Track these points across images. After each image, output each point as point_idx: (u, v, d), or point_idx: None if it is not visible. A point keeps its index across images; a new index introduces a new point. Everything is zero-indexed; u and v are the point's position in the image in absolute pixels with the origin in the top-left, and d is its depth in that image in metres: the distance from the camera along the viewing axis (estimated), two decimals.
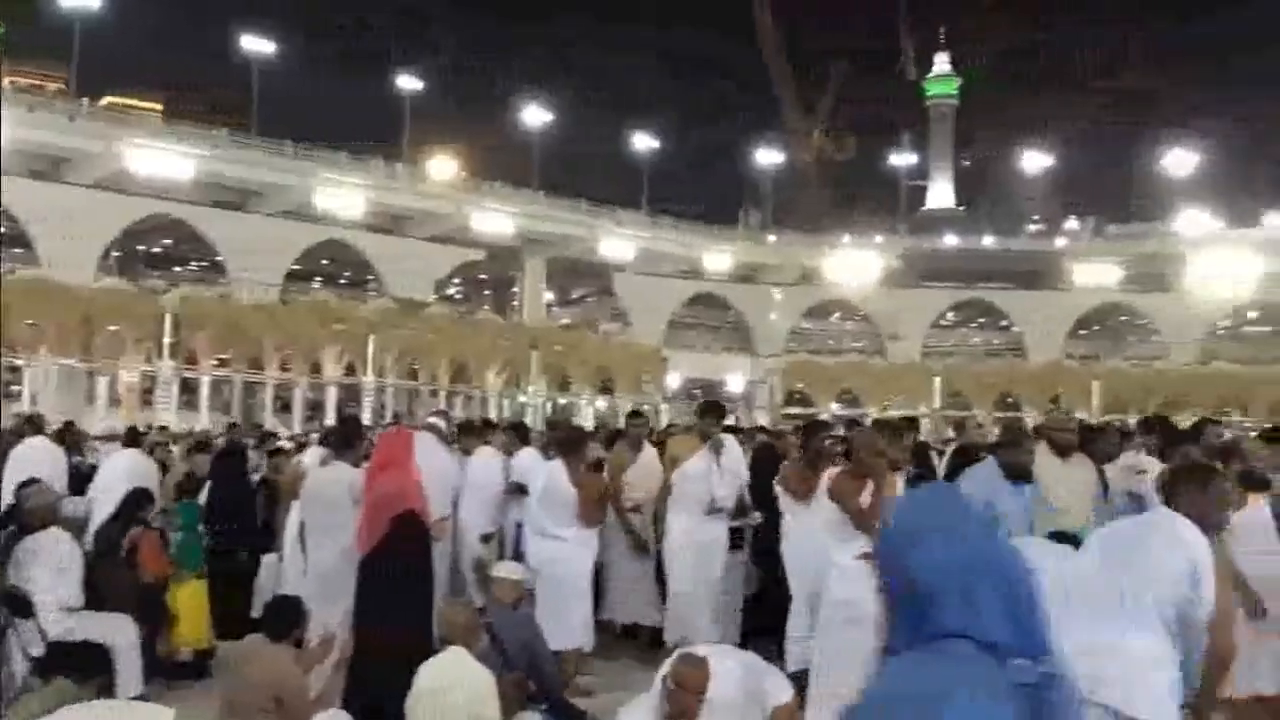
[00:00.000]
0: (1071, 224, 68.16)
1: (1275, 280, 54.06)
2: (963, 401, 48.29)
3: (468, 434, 8.95)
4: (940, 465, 9.26)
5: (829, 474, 6.30)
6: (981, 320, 64.15)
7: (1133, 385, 48.70)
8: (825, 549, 6.61)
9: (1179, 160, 65.33)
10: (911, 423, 9.51)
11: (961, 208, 75.34)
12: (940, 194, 76.21)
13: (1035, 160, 70.49)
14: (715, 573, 7.41)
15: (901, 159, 73.57)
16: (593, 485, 7.31)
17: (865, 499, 5.77)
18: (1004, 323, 62.75)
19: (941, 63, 77.01)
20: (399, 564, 5.73)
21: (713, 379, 57.17)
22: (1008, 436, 6.67)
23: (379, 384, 38.42)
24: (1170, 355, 57.33)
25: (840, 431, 8.97)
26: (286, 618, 5.04)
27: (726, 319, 62.13)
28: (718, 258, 59.99)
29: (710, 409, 8.03)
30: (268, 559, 8.35)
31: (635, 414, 9.45)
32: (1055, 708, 1.63)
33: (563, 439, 7.78)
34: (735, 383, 56.55)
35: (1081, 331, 61.66)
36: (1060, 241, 64.30)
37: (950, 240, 65.42)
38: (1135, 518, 4.41)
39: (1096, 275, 60.18)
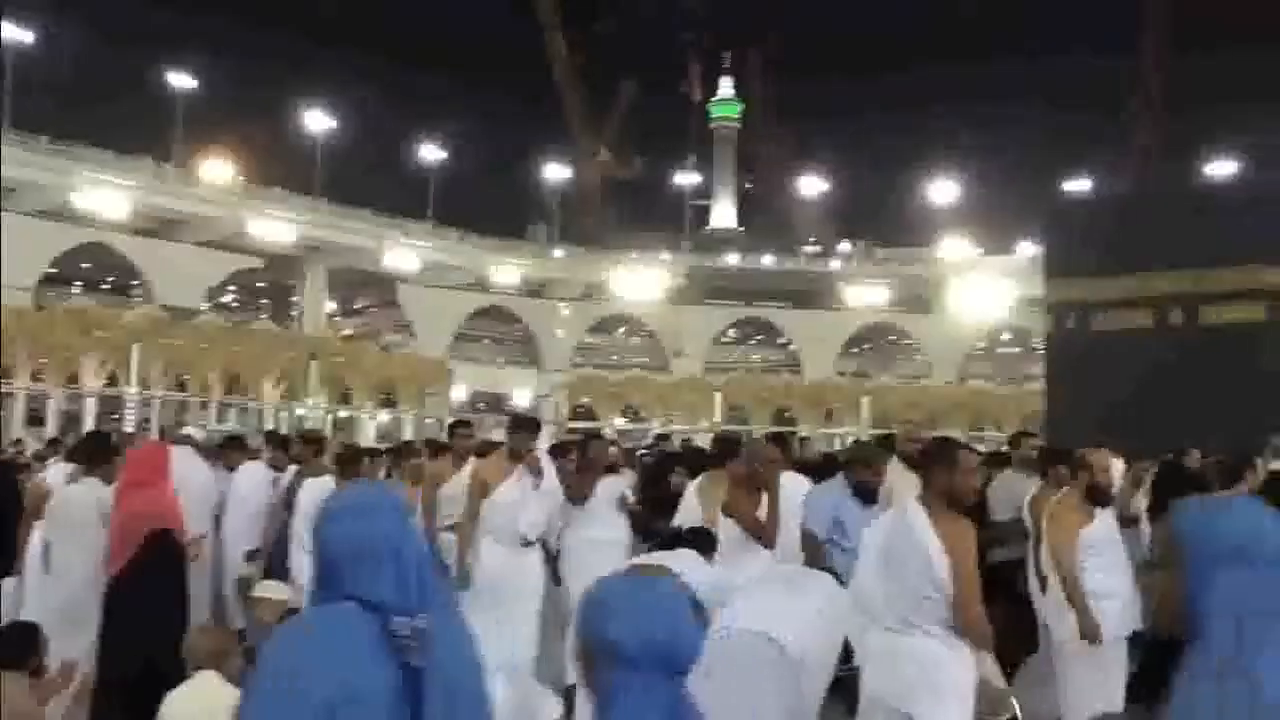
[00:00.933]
0: (844, 247, 71.25)
1: (1026, 304, 58.18)
2: (741, 416, 49.75)
3: (231, 448, 8.62)
4: None
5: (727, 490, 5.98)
6: (760, 337, 66.30)
7: (899, 401, 51.36)
8: (604, 555, 6.75)
9: (942, 189, 69.44)
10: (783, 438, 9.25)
11: (742, 228, 77.69)
12: (723, 214, 78.38)
13: (811, 185, 73.53)
14: (531, 606, 6.74)
15: (686, 179, 75.39)
16: None
17: (761, 512, 5.75)
18: (781, 340, 65.07)
19: (725, 87, 79.26)
20: (150, 586, 5.47)
21: (499, 393, 56.97)
22: (858, 455, 6.75)
23: (144, 396, 36.47)
24: (932, 373, 60.91)
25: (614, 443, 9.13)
26: (21, 644, 4.72)
27: (513, 333, 62.05)
28: (505, 271, 59.82)
29: (522, 424, 7.15)
30: (7, 582, 7.80)
31: (462, 424, 8.60)
32: (425, 650, 2.02)
33: (341, 455, 7.61)
34: (522, 397, 56.48)
35: (853, 349, 64.61)
36: (834, 263, 67.13)
37: (732, 259, 67.37)
38: (883, 519, 4.58)
39: (866, 296, 63.22)
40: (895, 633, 4.18)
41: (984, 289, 61.26)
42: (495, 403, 56.23)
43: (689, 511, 6.08)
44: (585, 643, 2.08)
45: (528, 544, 6.75)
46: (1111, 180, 61.52)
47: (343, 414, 44.36)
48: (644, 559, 5.10)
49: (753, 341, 66.70)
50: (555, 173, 66.62)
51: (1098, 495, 5.80)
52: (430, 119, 62.38)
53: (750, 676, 4.13)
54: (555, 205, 66.63)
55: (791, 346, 64.16)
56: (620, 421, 49.28)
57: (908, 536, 4.18)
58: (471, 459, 7.59)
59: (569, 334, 61.38)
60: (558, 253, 63.80)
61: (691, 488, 6.42)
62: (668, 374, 58.70)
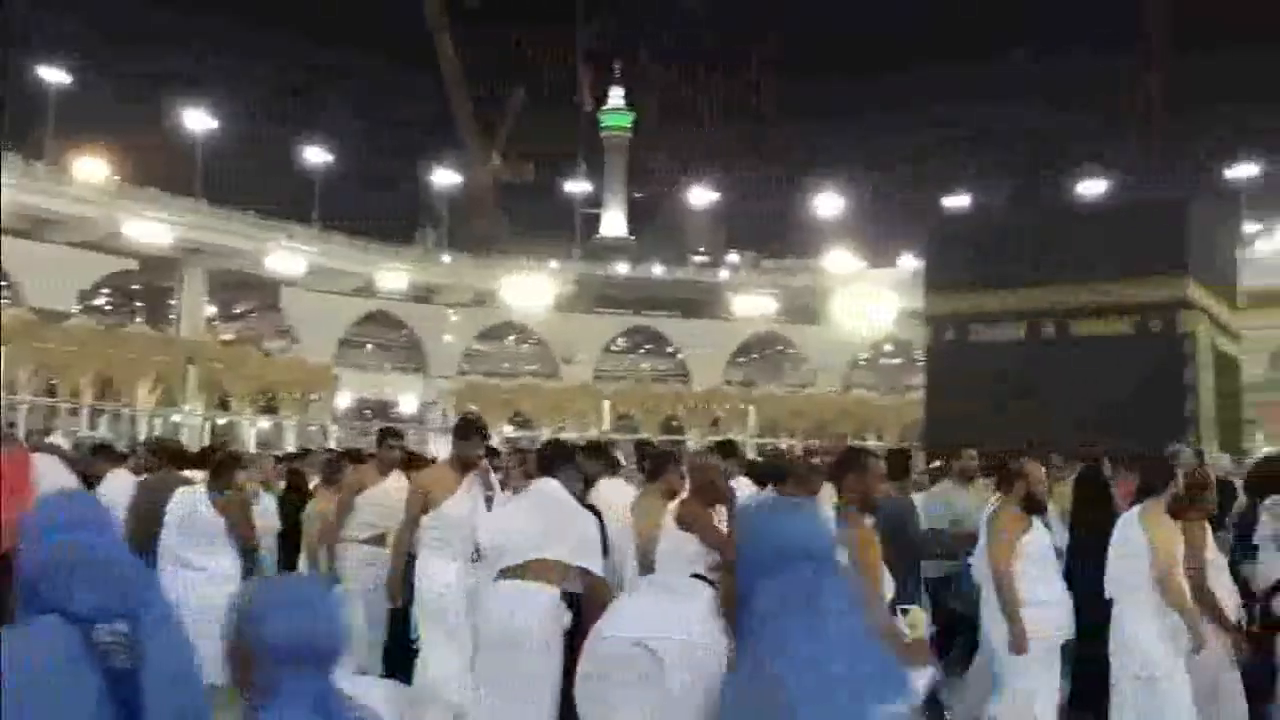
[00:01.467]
0: (732, 257, 72.01)
1: (908, 316, 59.52)
2: (631, 424, 49.88)
3: (100, 456, 8.29)
4: None
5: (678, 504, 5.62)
6: (649, 346, 66.58)
7: (785, 410, 52.16)
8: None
9: (828, 202, 70.75)
10: (733, 445, 8.88)
11: (633, 237, 78.01)
12: (613, 223, 78.59)
13: (701, 195, 74.18)
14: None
15: (577, 187, 75.40)
16: (234, 508, 6.88)
17: (723, 526, 5.40)
18: (670, 349, 65.44)
19: (616, 96, 79.54)
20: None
21: (385, 399, 56.13)
22: (797, 470, 6.63)
23: (10, 401, 34.94)
24: (818, 383, 61.92)
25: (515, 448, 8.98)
26: None
27: (400, 339, 61.19)
28: (392, 276, 58.95)
29: (468, 431, 6.55)
30: None
31: (392, 433, 7.95)
32: (133, 653, 2.12)
33: (215, 463, 7.33)
34: (408, 403, 55.73)
35: (740, 359, 65.31)
36: (722, 273, 67.79)
37: (622, 268, 67.60)
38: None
39: (754, 306, 63.98)
40: None
41: (868, 301, 62.50)
42: (381, 409, 55.40)
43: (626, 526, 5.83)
44: (238, 645, 2.08)
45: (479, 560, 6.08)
46: (989, 197, 63.45)
47: (221, 420, 43.15)
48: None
49: (642, 350, 66.97)
50: (445, 178, 65.99)
51: (1033, 504, 5.88)
52: (317, 120, 61.32)
53: (626, 685, 4.14)
54: (445, 210, 65.98)
55: (680, 355, 64.58)
56: (509, 429, 48.95)
57: None
58: (395, 470, 7.26)
59: (458, 340, 60.78)
60: (446, 258, 63.13)
61: (623, 503, 6.13)
62: (557, 381, 58.55)
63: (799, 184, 72.05)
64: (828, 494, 5.00)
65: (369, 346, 60.68)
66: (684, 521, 5.36)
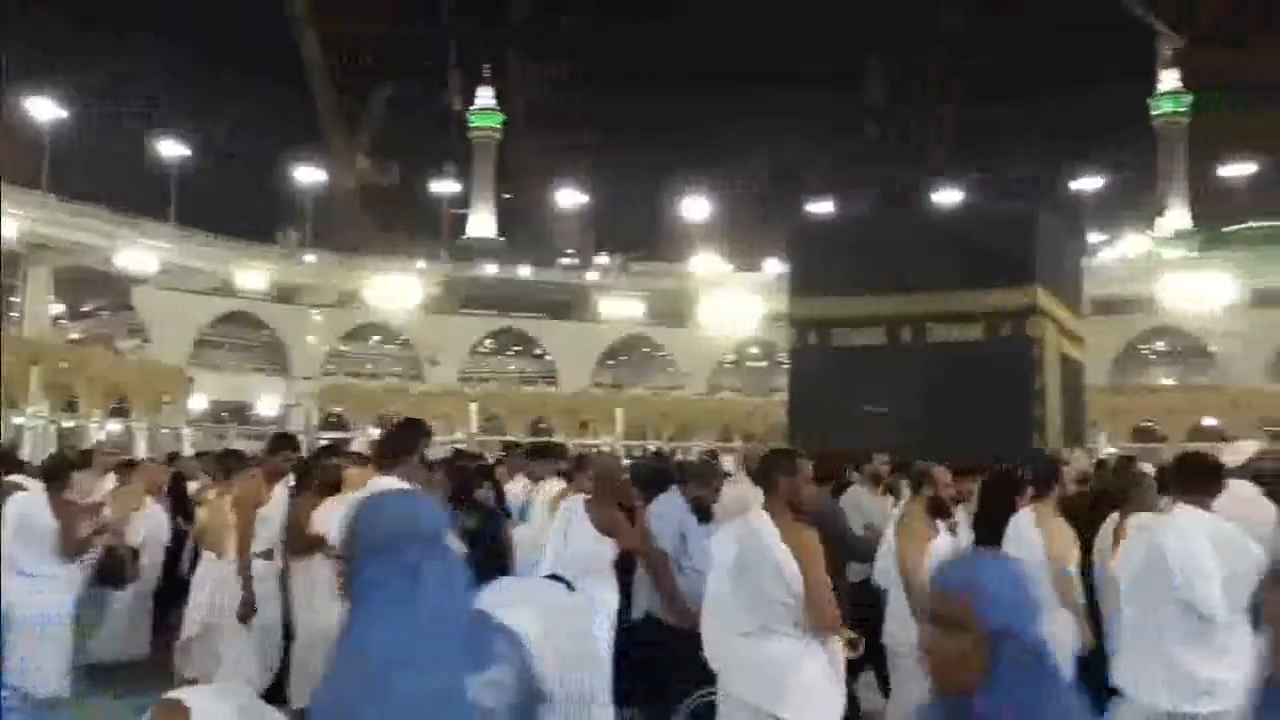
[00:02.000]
0: (601, 259, 72.18)
1: (772, 319, 60.59)
2: (498, 426, 49.58)
3: None
4: None
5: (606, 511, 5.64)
6: (517, 348, 66.26)
7: (652, 412, 52.55)
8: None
9: (695, 206, 71.57)
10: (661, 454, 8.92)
11: (501, 238, 77.48)
12: (481, 224, 77.86)
13: (570, 197, 74.18)
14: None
15: (445, 187, 74.57)
16: (71, 515, 6.55)
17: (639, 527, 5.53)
18: (538, 351, 65.23)
19: (485, 96, 78.89)
20: None
21: (244, 402, 54.53)
22: (694, 470, 6.64)
23: None
24: (685, 385, 62.55)
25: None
26: None
27: (260, 339, 59.52)
28: (253, 275, 57.38)
29: (410, 429, 5.79)
30: None
31: (285, 439, 7.26)
32: None
33: (46, 465, 6.99)
34: (268, 406, 54.27)
35: (609, 361, 65.49)
36: (590, 275, 67.91)
37: (490, 269, 67.10)
38: (731, 530, 4.74)
39: (622, 309, 64.34)
40: (753, 637, 4.38)
41: (734, 304, 63.53)
42: (239, 412, 53.83)
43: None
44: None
45: None
46: (853, 204, 65.08)
47: (67, 424, 41.28)
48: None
49: (510, 352, 66.59)
50: (308, 176, 64.51)
51: (939, 509, 5.96)
52: (175, 114, 59.22)
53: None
54: (308, 209, 64.50)
55: (548, 358, 64.43)
56: (375, 431, 48.09)
57: (757, 545, 4.39)
58: (290, 478, 6.78)
59: (321, 341, 59.43)
60: (309, 258, 61.74)
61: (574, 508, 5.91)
62: (422, 383, 57.81)
63: (667, 188, 72.69)
64: (754, 496, 5.00)
65: (227, 347, 58.82)
66: (603, 527, 5.54)
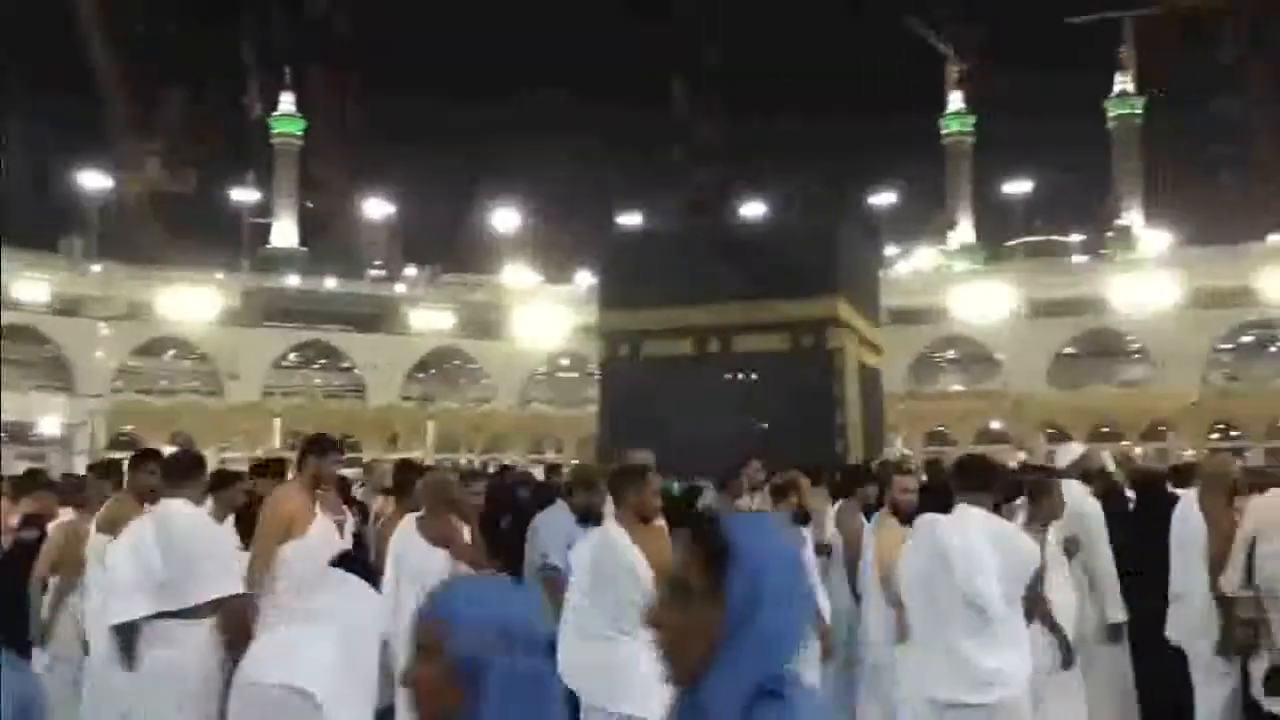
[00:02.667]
0: (410, 271, 71.06)
1: (583, 331, 60.87)
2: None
3: None
4: None
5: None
6: (324, 361, 64.46)
7: (464, 425, 52.02)
8: None
9: (506, 218, 71.33)
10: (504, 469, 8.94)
11: (305, 248, 75.22)
12: (284, 233, 75.38)
13: (377, 207, 72.82)
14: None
15: (246, 195, 71.85)
16: None
17: (468, 537, 5.68)
18: (345, 364, 63.62)
19: (288, 102, 76.51)
20: None
21: (23, 421, 51.11)
22: (579, 478, 6.63)
23: None
24: (496, 397, 62.18)
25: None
26: None
27: (42, 354, 55.90)
28: (33, 287, 53.91)
29: (318, 445, 5.78)
30: None
31: (150, 455, 6.73)
32: None
33: None
34: (50, 425, 51.11)
35: (419, 374, 64.45)
36: (400, 287, 66.75)
37: (293, 280, 65.00)
38: (589, 538, 5.17)
39: (432, 321, 63.47)
40: (610, 640, 4.75)
41: (545, 316, 63.62)
42: (19, 432, 50.44)
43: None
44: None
45: None
46: (662, 218, 66.10)
47: None
48: None
49: (316, 366, 64.71)
50: (95, 182, 61.12)
51: (804, 518, 6.48)
52: None
53: None
54: (94, 218, 61.05)
55: (356, 371, 62.92)
56: (170, 450, 45.87)
57: (612, 552, 4.80)
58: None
59: (109, 356, 56.28)
60: (96, 268, 58.41)
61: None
62: (222, 399, 55.55)
63: (477, 199, 72.23)
64: (609, 508, 5.32)
65: (4, 364, 55.00)
66: (437, 541, 5.68)
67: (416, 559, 5.64)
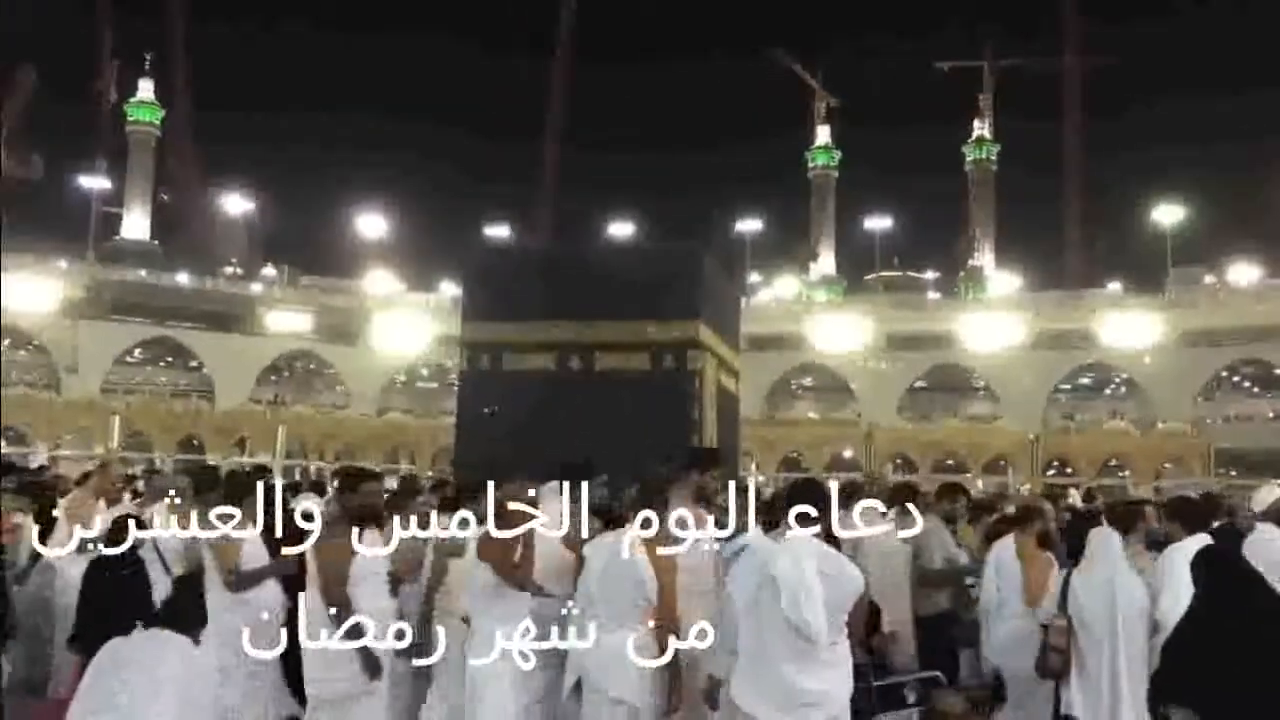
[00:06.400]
0: (268, 271, 69.25)
1: (444, 341, 60.06)
2: (144, 442, 46.26)
3: None
4: None
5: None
6: (170, 359, 62.20)
7: (316, 431, 50.68)
8: None
9: (370, 224, 70.19)
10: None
11: (157, 242, 72.53)
12: (135, 225, 72.55)
13: (234, 204, 70.75)
14: None
15: (95, 183, 68.87)
16: None
17: (517, 556, 5.63)
18: (194, 363, 61.50)
19: (146, 89, 73.78)
20: None
21: None
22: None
23: None
24: (352, 404, 60.91)
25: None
26: None
27: None
28: None
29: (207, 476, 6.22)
30: None
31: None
32: None
33: None
34: None
35: (272, 377, 62.77)
36: (255, 287, 64.97)
37: (142, 274, 62.52)
38: (599, 545, 5.66)
39: (289, 323, 61.90)
40: (611, 633, 5.25)
41: (406, 324, 62.71)
42: None
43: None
44: None
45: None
46: (528, 232, 66.03)
47: None
48: None
49: (162, 363, 62.35)
50: None
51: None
52: None
53: None
54: None
55: (205, 370, 60.85)
56: (6, 449, 43.51)
57: (617, 558, 5.34)
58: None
59: None
60: None
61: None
62: (58, 394, 52.99)
63: (341, 203, 70.92)
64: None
65: None
66: (481, 553, 5.71)
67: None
